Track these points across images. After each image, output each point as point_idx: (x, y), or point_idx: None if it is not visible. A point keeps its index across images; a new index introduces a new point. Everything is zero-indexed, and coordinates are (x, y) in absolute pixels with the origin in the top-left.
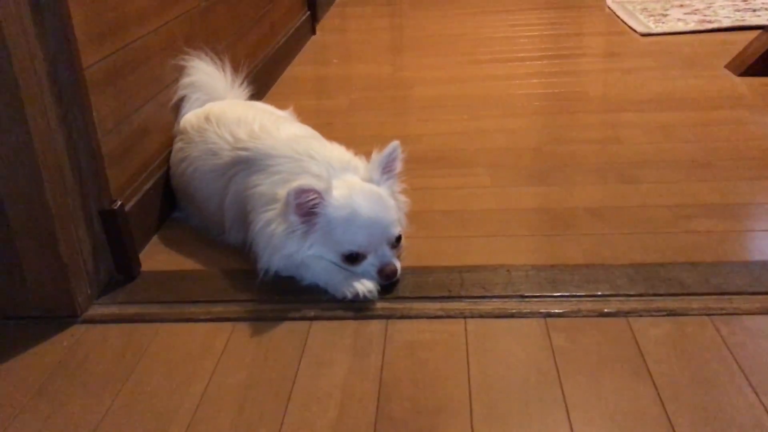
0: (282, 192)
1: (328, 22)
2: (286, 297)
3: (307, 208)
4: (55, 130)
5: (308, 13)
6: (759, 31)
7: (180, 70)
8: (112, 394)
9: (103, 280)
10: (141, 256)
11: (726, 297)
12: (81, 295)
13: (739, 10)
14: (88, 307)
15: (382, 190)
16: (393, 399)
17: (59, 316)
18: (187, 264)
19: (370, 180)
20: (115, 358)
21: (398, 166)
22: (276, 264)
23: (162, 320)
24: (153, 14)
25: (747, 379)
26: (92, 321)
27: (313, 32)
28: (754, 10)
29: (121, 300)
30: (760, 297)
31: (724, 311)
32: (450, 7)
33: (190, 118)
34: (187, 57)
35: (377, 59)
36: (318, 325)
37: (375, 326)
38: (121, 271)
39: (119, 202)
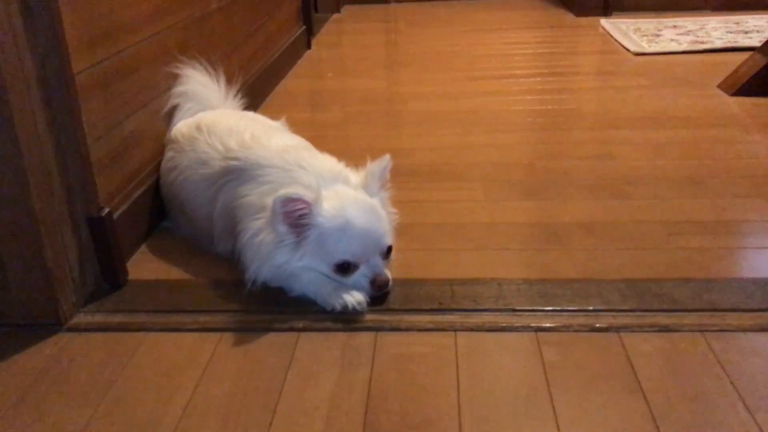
0: (270, 202)
1: (323, 37)
2: (274, 308)
3: (294, 217)
4: (44, 135)
5: (304, 27)
6: (751, 53)
7: (173, 79)
8: (95, 404)
9: (88, 288)
10: (128, 264)
11: (719, 313)
12: (66, 303)
13: (731, 32)
14: (73, 315)
15: (375, 201)
16: (381, 412)
17: (43, 324)
18: (174, 273)
19: (364, 191)
20: (98, 367)
21: (387, 178)
22: (264, 274)
23: (148, 329)
24: (146, 22)
25: (740, 396)
26: (77, 329)
27: (309, 46)
28: (746, 32)
29: (107, 308)
30: (753, 314)
31: (716, 327)
32: (445, 25)
33: (181, 127)
34: (180, 66)
35: (372, 74)
36: (306, 337)
37: (364, 338)
38: (107, 279)
39: (107, 210)
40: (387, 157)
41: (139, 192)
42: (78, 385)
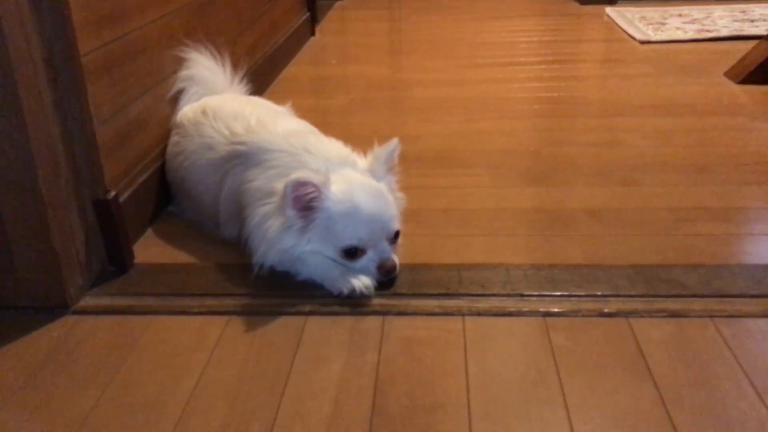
0: (279, 186)
1: (327, 24)
2: (282, 292)
3: (304, 201)
4: (50, 116)
5: (308, 14)
6: (757, 41)
7: (179, 63)
8: (102, 386)
9: (95, 271)
10: (135, 248)
11: (727, 299)
12: (72, 286)
13: (737, 21)
14: (80, 298)
15: (382, 185)
16: (389, 395)
17: (49, 307)
18: (181, 257)
19: (370, 175)
20: (105, 350)
21: (396, 163)
22: (271, 258)
23: (154, 313)
24: (152, 5)
25: (749, 381)
26: (83, 312)
27: (313, 33)
28: (752, 21)
29: (113, 291)
30: (762, 300)
31: (725, 313)
32: (449, 13)
33: (186, 111)
34: (186, 50)
35: (376, 61)
36: (313, 321)
37: (371, 322)
38: (113, 262)
39: (114, 193)
40: (395, 140)
41: (145, 175)
42: (85, 368)
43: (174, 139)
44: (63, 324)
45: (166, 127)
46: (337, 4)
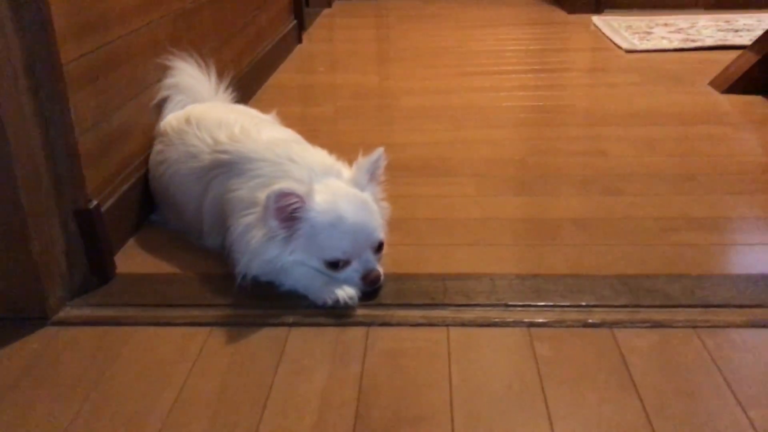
0: (262, 196)
1: (314, 31)
2: (265, 302)
3: (287, 212)
4: (31, 125)
5: (295, 21)
6: (741, 51)
7: (163, 71)
8: (81, 399)
9: (76, 282)
10: (117, 258)
11: (711, 309)
12: (52, 297)
13: (721, 30)
14: (60, 308)
15: (366, 195)
16: (373, 407)
17: (29, 318)
18: (163, 267)
19: (355, 185)
20: (85, 361)
21: (381, 172)
22: (254, 269)
23: (136, 323)
24: (136, 13)
25: (732, 392)
26: (63, 323)
27: (300, 41)
28: (736, 31)
29: (95, 302)
30: (745, 310)
31: (709, 324)
32: (436, 21)
33: (170, 120)
34: (171, 58)
35: (363, 69)
36: (297, 332)
37: (355, 333)
38: (95, 272)
39: (95, 203)
40: (380, 150)
41: (127, 185)
42: (65, 380)
43: (157, 147)
44: (42, 335)
45: (150, 136)
46: (324, 11)
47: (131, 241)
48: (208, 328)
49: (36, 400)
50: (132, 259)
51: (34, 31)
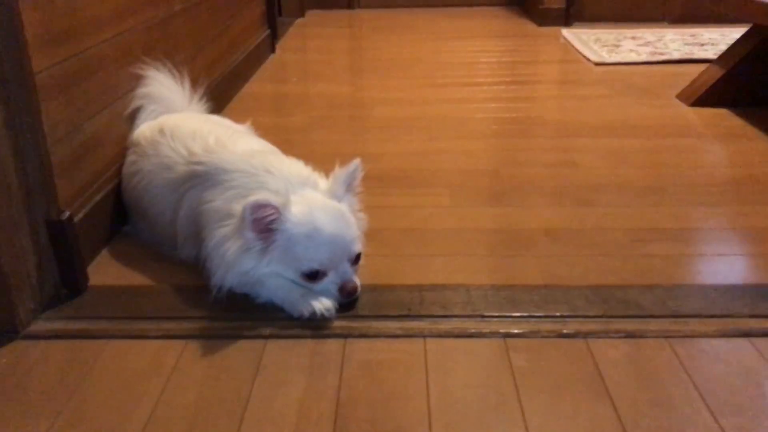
0: (238, 207)
1: (288, 41)
2: (241, 314)
3: (264, 224)
4: (1, 135)
5: (268, 31)
6: (707, 65)
7: (136, 80)
8: (53, 415)
9: (47, 294)
10: (89, 269)
11: (682, 320)
12: (23, 309)
13: (688, 44)
14: (31, 322)
15: (343, 207)
16: (350, 420)
17: None
18: (137, 279)
19: (331, 196)
20: (57, 376)
21: (358, 183)
22: (230, 281)
23: (109, 336)
24: (109, 22)
25: (704, 401)
26: (34, 337)
27: (273, 50)
28: (702, 45)
29: (67, 315)
30: (716, 320)
31: (680, 334)
32: (408, 32)
33: (144, 130)
34: (144, 67)
35: (337, 79)
36: (273, 344)
37: (332, 345)
38: (67, 284)
39: (68, 213)
40: (357, 161)
41: (100, 195)
42: (36, 396)
43: (130, 158)
44: (12, 350)
45: (123, 146)
46: (297, 21)
47: (104, 253)
48: (183, 341)
49: (6, 415)
50: (105, 271)
51: (5, 40)
